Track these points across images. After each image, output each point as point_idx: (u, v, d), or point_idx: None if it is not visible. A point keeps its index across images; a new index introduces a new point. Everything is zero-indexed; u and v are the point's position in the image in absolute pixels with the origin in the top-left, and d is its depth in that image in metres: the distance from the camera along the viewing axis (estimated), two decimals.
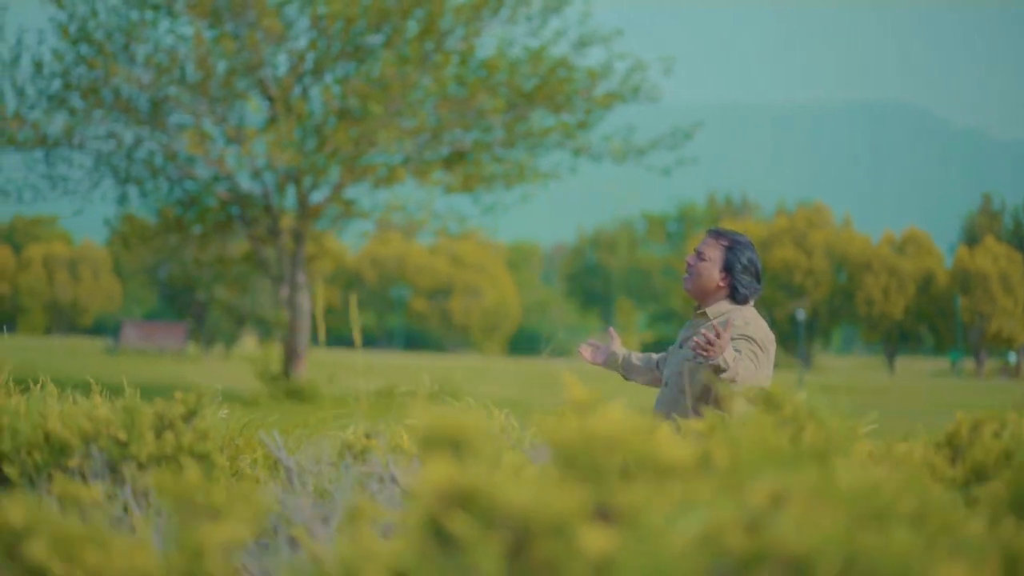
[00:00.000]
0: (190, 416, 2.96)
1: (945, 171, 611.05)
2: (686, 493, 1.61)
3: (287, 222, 22.67)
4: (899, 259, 79.88)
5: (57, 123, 21.54)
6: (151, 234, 22.93)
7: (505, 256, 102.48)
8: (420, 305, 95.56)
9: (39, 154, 22.17)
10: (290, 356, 22.05)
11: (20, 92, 21.75)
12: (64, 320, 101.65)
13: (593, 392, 2.04)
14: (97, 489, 2.18)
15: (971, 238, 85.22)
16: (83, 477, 2.97)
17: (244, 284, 45.05)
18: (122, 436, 2.80)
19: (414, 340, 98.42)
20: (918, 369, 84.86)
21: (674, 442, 1.63)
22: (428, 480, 1.67)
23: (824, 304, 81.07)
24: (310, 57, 21.80)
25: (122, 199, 22.95)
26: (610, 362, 5.65)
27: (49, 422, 2.93)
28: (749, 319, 5.08)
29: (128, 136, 22.15)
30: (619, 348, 5.67)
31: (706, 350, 4.69)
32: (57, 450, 2.91)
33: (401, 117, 20.74)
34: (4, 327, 4.07)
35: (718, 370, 4.78)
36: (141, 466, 2.86)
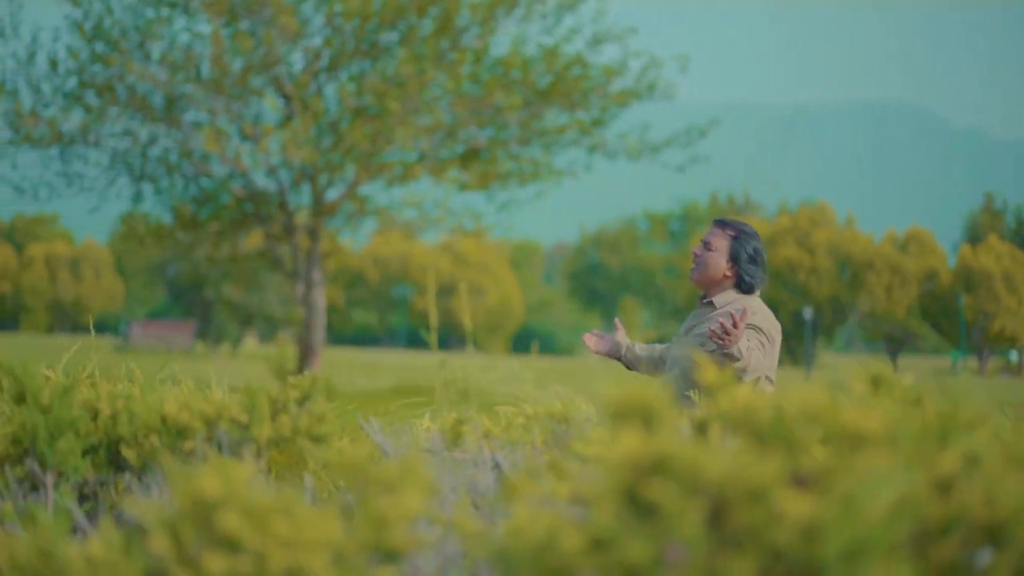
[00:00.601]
0: (303, 400, 3.01)
1: (947, 171, 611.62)
2: (877, 461, 1.65)
3: (302, 219, 22.69)
4: (902, 258, 79.99)
5: (73, 121, 21.56)
6: (166, 232, 22.97)
7: (508, 255, 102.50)
8: (422, 304, 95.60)
9: (55, 152, 22.19)
10: (305, 353, 22.10)
11: (36, 89, 21.77)
12: (66, 319, 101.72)
13: (724, 375, 2.09)
14: (250, 467, 2.22)
15: (974, 237, 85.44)
16: (195, 461, 3.02)
17: (252, 282, 45.15)
18: (243, 419, 2.85)
19: (416, 339, 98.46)
20: (920, 368, 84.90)
21: (863, 412, 1.68)
22: (622, 450, 1.72)
23: (827, 303, 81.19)
24: (325, 55, 21.81)
25: (136, 197, 22.98)
26: (614, 351, 5.66)
27: (165, 406, 2.97)
28: (756, 309, 5.09)
29: (143, 134, 22.18)
30: (623, 338, 5.68)
31: (722, 339, 4.70)
32: (174, 433, 2.96)
33: (417, 115, 20.78)
34: (91, 326, 4.10)
35: (731, 359, 4.79)
36: (259, 448, 2.91)
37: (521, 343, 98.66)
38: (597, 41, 21.79)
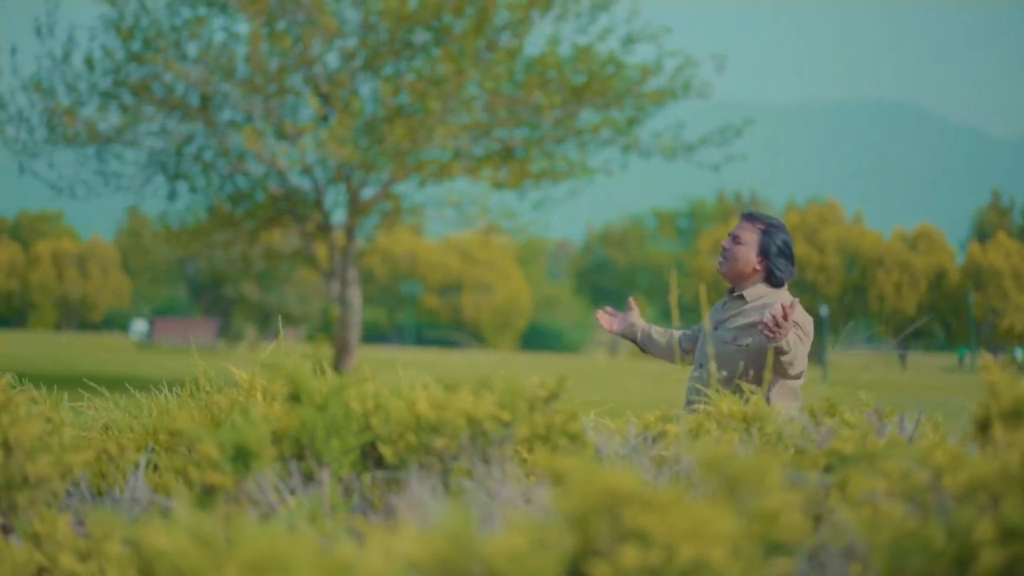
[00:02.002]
0: (551, 399, 3.12)
1: (946, 170, 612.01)
2: None
3: (337, 218, 22.76)
4: (911, 255, 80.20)
5: (110, 120, 21.65)
6: (204, 230, 23.05)
7: (515, 253, 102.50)
8: (431, 301, 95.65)
9: (91, 150, 22.28)
10: (341, 350, 22.17)
11: (72, 88, 21.84)
12: (74, 316, 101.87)
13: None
14: (577, 461, 2.33)
15: (981, 234, 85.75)
16: (445, 458, 3.13)
17: (270, 280, 45.07)
18: (505, 417, 2.95)
19: (424, 336, 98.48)
20: (928, 365, 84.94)
21: None
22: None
23: (836, 301, 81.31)
24: (361, 55, 21.84)
25: (171, 195, 23.08)
26: (628, 332, 5.65)
27: (418, 405, 3.08)
28: (796, 304, 4.98)
29: (180, 132, 22.24)
30: (638, 319, 5.68)
31: (773, 331, 4.69)
32: (427, 431, 3.06)
33: (455, 114, 20.82)
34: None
35: (780, 352, 4.79)
36: (516, 446, 3.01)
37: (529, 341, 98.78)
38: (630, 40, 21.84)
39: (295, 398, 2.90)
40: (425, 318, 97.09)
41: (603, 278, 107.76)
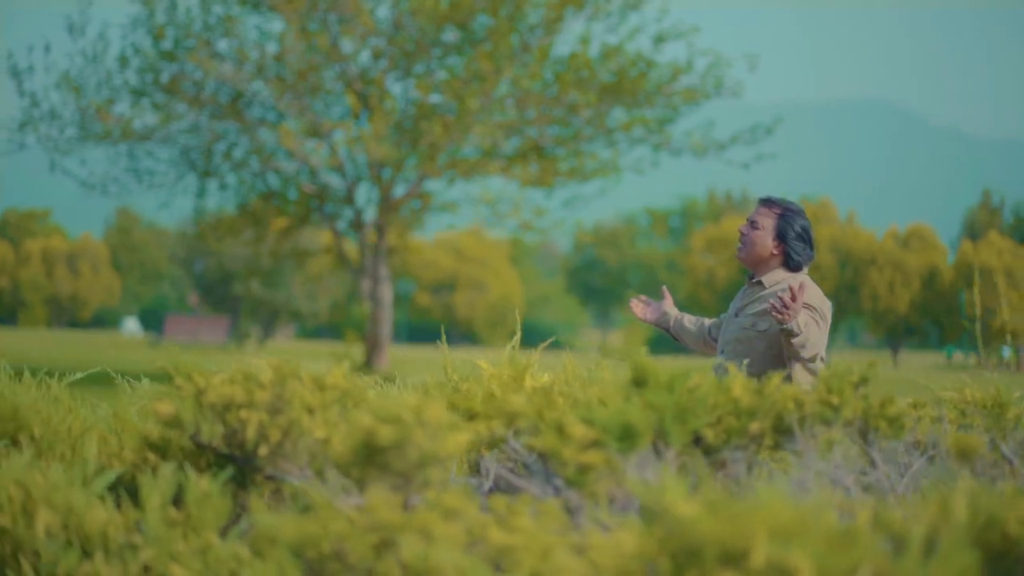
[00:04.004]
0: (860, 384, 3.27)
1: (938, 170, 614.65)
2: None
3: (369, 215, 22.84)
4: (904, 254, 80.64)
5: (144, 118, 21.71)
6: (238, 227, 23.09)
7: (507, 251, 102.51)
8: (424, 299, 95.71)
9: (123, 148, 22.33)
10: (372, 348, 22.23)
11: (105, 86, 21.87)
12: (64, 314, 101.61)
13: None
14: (982, 440, 2.49)
15: (972, 233, 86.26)
16: (758, 441, 3.28)
17: (280, 276, 44.95)
18: (835, 400, 3.10)
19: (416, 334, 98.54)
20: (918, 363, 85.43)
21: None
22: None
23: (830, 298, 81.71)
24: (390, 53, 21.91)
25: (201, 192, 23.14)
26: (661, 321, 5.71)
27: (734, 390, 3.23)
28: (806, 287, 5.06)
29: (211, 130, 22.28)
30: (671, 308, 5.75)
31: (781, 312, 4.73)
32: (745, 415, 3.21)
33: (487, 112, 20.88)
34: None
35: (790, 334, 4.82)
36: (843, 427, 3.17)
37: (521, 338, 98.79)
38: (660, 39, 21.96)
39: (639, 383, 3.05)
40: (418, 316, 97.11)
41: (594, 276, 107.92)
